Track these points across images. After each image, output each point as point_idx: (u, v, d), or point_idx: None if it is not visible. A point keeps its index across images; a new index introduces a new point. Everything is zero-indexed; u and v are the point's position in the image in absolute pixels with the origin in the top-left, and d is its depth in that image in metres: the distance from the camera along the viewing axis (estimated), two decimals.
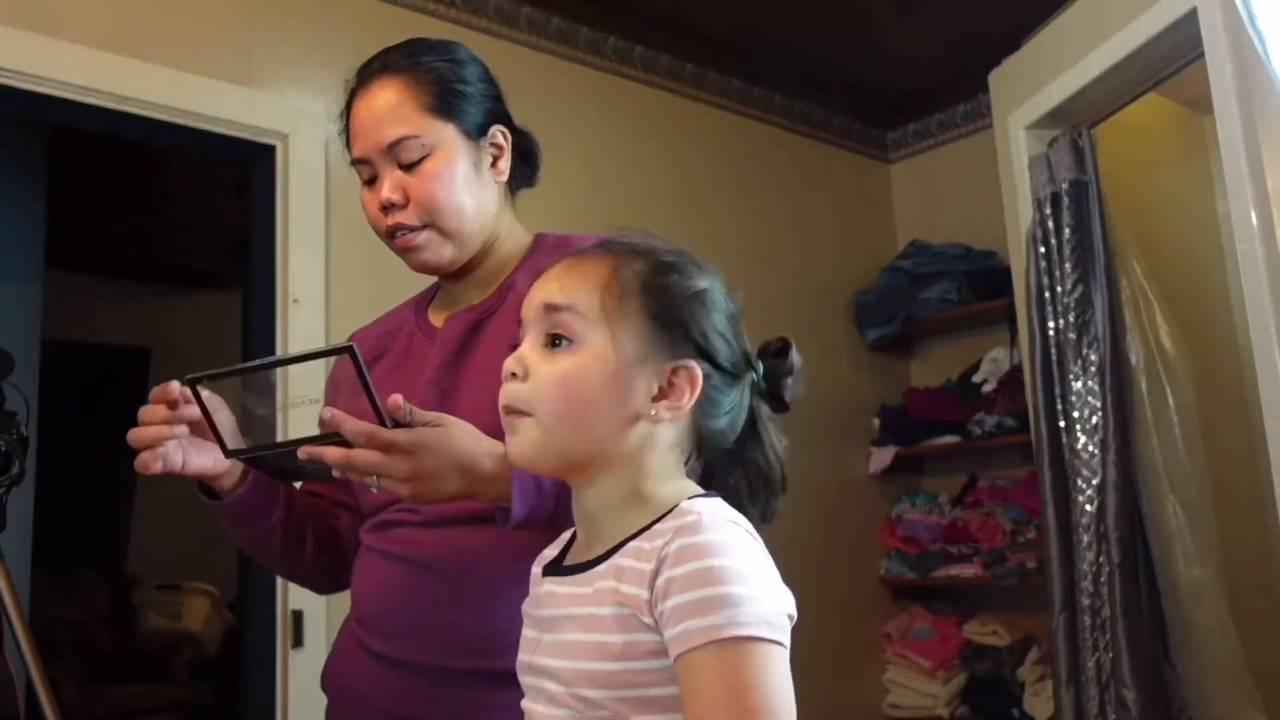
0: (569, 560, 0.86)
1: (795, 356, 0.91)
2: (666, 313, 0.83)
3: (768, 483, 0.91)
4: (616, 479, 0.82)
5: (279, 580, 2.22)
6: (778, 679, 0.73)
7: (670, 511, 0.78)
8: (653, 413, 0.82)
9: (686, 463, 0.86)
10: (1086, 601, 2.30)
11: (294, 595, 2.20)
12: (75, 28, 2.14)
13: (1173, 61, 2.23)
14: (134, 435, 1.02)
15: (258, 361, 0.97)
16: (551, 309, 0.82)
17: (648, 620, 0.74)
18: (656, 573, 0.74)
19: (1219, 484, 2.35)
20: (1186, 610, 2.24)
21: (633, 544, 0.78)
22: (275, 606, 2.21)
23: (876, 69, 3.56)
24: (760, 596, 0.73)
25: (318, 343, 2.33)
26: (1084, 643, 2.30)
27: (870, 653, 3.44)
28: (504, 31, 2.84)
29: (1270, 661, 2.32)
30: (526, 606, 0.87)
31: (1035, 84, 2.56)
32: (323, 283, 2.38)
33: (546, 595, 0.84)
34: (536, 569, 0.91)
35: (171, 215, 4.24)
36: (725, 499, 0.84)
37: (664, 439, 0.84)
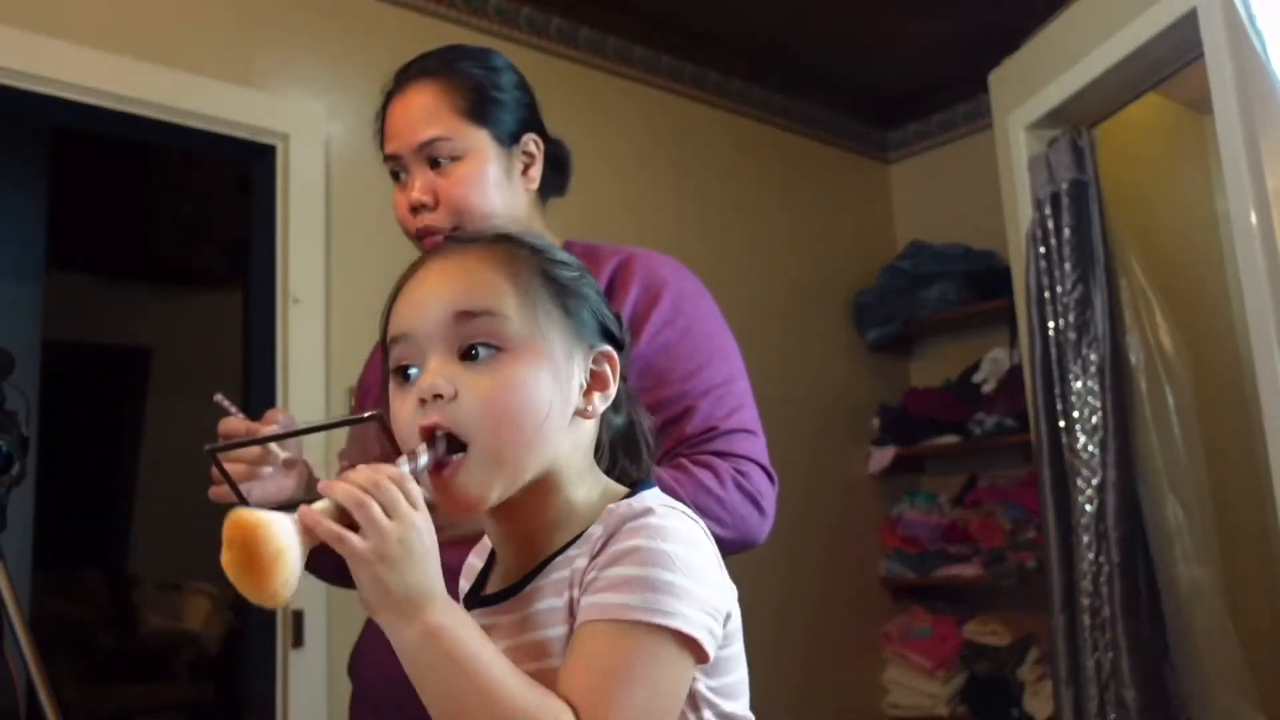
0: (492, 587, 0.79)
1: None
2: (572, 300, 0.77)
3: (646, 445, 0.85)
4: (551, 490, 0.76)
5: None
6: (658, 681, 0.67)
7: (600, 517, 0.73)
8: (589, 409, 0.77)
9: (602, 458, 0.82)
10: (1086, 601, 2.30)
11: (294, 595, 2.20)
12: (75, 28, 2.14)
13: (1173, 61, 2.22)
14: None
15: (281, 431, 0.98)
16: (465, 316, 0.73)
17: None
18: (604, 544, 0.70)
19: (1219, 484, 2.35)
20: (1186, 610, 2.24)
21: (566, 553, 0.73)
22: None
23: (876, 69, 3.56)
24: (693, 591, 0.68)
25: (317, 344, 2.34)
26: (1084, 642, 2.30)
27: (870, 653, 3.44)
28: (504, 31, 2.84)
29: (1270, 661, 2.32)
30: None
31: (1035, 84, 2.56)
32: (323, 283, 2.38)
33: (487, 630, 0.74)
34: (463, 583, 0.85)
35: (171, 215, 4.24)
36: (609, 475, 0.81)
37: (588, 434, 0.79)
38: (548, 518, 0.76)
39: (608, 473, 0.81)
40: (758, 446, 1.15)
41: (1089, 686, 2.27)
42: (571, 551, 0.73)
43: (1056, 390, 2.43)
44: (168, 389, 4.72)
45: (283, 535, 0.62)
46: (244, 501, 0.99)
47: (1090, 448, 2.34)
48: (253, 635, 2.24)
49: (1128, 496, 2.27)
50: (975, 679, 3.26)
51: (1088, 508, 2.32)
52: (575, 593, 0.70)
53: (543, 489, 0.75)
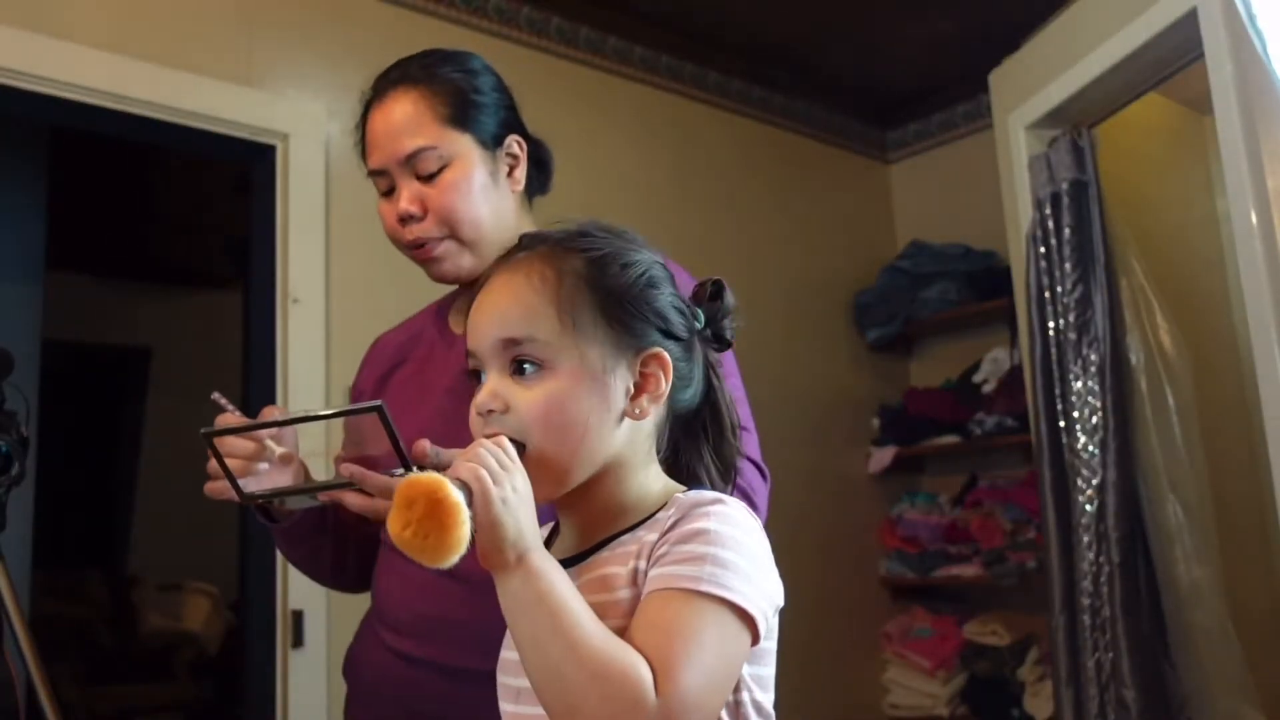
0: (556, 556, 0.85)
1: (729, 296, 0.90)
2: (621, 309, 0.82)
3: (731, 422, 0.90)
4: (609, 481, 0.82)
5: (279, 580, 2.22)
6: (722, 647, 0.72)
7: (668, 503, 0.79)
8: (636, 411, 0.82)
9: (660, 445, 0.87)
10: (1086, 601, 2.30)
11: (294, 595, 2.20)
12: (75, 28, 2.14)
13: (1173, 61, 2.22)
14: (215, 468, 1.05)
15: (280, 418, 0.97)
16: (510, 342, 0.80)
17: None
18: (675, 524, 0.76)
19: (1219, 484, 2.35)
20: (1186, 610, 2.24)
21: (634, 533, 0.79)
22: (275, 606, 2.21)
23: (876, 69, 3.56)
24: (753, 576, 0.74)
25: (317, 344, 2.34)
26: (1084, 643, 2.30)
27: (870, 653, 3.44)
28: (504, 31, 2.84)
29: (1270, 662, 2.32)
30: None
31: (1035, 84, 2.56)
32: (323, 283, 2.38)
33: None
34: None
35: (171, 215, 4.24)
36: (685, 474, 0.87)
37: (642, 430, 0.84)
38: (607, 504, 0.82)
39: (671, 459, 0.87)
40: (751, 443, 1.15)
41: (1089, 686, 2.27)
42: (640, 530, 0.79)
43: (1056, 390, 2.43)
44: (168, 389, 4.72)
45: (458, 492, 0.67)
46: (238, 488, 0.99)
47: (1090, 448, 2.34)
48: (253, 635, 2.24)
49: (1128, 496, 2.27)
50: (975, 679, 3.26)
51: (1088, 508, 2.32)
52: (641, 563, 0.76)
53: (601, 480, 0.82)
